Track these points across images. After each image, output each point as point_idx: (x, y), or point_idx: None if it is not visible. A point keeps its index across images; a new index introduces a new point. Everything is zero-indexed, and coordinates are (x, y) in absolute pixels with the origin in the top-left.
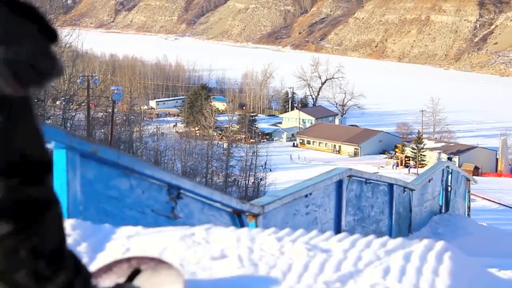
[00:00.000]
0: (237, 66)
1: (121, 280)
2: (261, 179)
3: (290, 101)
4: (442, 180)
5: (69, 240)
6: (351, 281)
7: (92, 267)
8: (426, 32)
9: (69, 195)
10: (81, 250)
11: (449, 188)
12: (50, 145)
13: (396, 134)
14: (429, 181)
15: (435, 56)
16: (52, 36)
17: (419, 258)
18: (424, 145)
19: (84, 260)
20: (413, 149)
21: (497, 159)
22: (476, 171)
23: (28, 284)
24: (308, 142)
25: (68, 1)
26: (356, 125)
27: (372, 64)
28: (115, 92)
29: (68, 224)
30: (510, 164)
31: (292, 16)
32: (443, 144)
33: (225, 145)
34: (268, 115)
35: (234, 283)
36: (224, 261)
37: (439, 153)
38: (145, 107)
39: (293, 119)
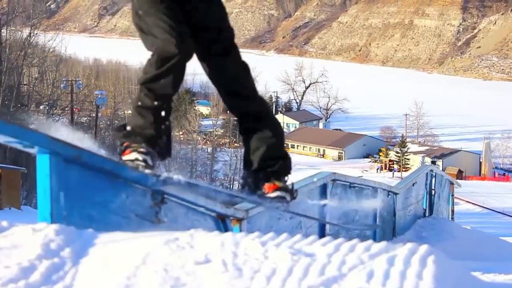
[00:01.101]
0: None
1: None
2: None
3: (274, 105)
4: (426, 184)
5: (53, 245)
6: (335, 285)
7: (76, 273)
8: (410, 36)
9: (53, 200)
10: (65, 256)
11: (433, 192)
12: (33, 150)
13: (380, 138)
14: (413, 184)
15: (418, 60)
16: None
17: (403, 262)
18: (408, 148)
19: (68, 265)
20: (397, 152)
21: (480, 163)
22: (460, 175)
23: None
24: (292, 146)
25: (52, 6)
26: (340, 129)
27: (356, 68)
28: (99, 96)
29: (52, 229)
30: (493, 168)
31: (276, 20)
32: (427, 147)
33: (210, 150)
34: None
35: None
36: (208, 265)
37: (423, 156)
38: (129, 111)
39: None
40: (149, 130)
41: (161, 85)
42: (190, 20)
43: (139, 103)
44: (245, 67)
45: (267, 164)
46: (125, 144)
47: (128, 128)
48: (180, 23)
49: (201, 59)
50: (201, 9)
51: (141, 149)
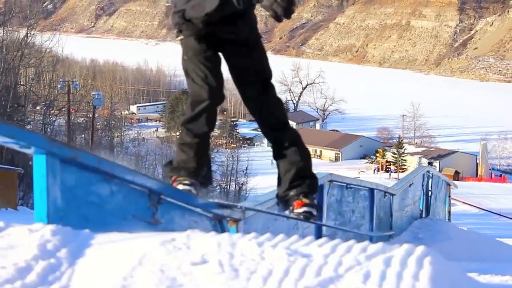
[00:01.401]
0: None
1: None
2: (242, 184)
3: None
4: (422, 185)
5: (49, 246)
6: (332, 286)
7: (72, 274)
8: (407, 37)
9: (49, 200)
10: (61, 256)
11: (430, 193)
12: (30, 151)
13: (377, 139)
14: (409, 185)
15: (415, 61)
16: None
17: (400, 263)
18: (404, 150)
19: (64, 265)
20: (394, 153)
21: (477, 164)
22: (457, 176)
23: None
24: None
25: (49, 6)
26: (337, 130)
27: (352, 69)
28: (96, 97)
29: (48, 229)
30: (490, 169)
31: (273, 21)
32: (423, 148)
33: None
34: (249, 120)
35: None
36: (204, 266)
37: (420, 157)
38: (126, 112)
39: None
40: (191, 163)
41: (196, 126)
42: (234, 64)
43: (181, 141)
44: (279, 103)
45: (296, 184)
46: (172, 178)
47: (174, 163)
48: (217, 73)
49: (241, 95)
50: (242, 57)
51: (186, 181)
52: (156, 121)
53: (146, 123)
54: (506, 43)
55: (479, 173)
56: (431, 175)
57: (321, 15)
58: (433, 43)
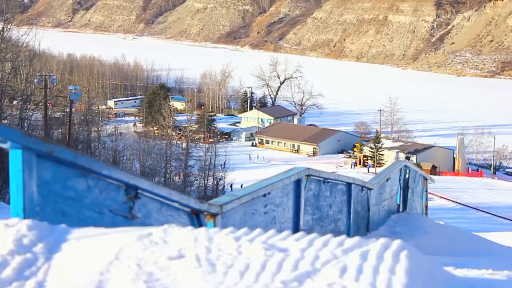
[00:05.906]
0: (196, 65)
1: None
2: (220, 178)
3: (248, 101)
4: (400, 179)
5: (25, 241)
6: (308, 280)
7: (49, 269)
8: (384, 32)
9: (25, 195)
10: (37, 251)
11: (407, 187)
12: (6, 145)
13: (355, 133)
14: (387, 180)
15: (392, 56)
16: None
17: (376, 257)
18: (382, 144)
19: (41, 260)
20: (371, 148)
21: (454, 158)
22: (434, 170)
23: None
24: (267, 142)
25: (25, 0)
26: (314, 125)
27: (330, 64)
28: (73, 91)
29: (24, 224)
30: (467, 163)
31: (251, 15)
32: (401, 143)
33: (184, 145)
34: (227, 115)
35: (192, 283)
36: (181, 261)
37: (397, 152)
38: (103, 107)
39: (252, 118)
40: None
41: None
42: None
43: None
44: None
45: None
46: None
47: None
48: None
49: None
50: None
51: None
52: (134, 116)
53: (123, 118)
54: (482, 38)
55: (456, 167)
56: (408, 170)
57: (299, 10)
58: (410, 38)
